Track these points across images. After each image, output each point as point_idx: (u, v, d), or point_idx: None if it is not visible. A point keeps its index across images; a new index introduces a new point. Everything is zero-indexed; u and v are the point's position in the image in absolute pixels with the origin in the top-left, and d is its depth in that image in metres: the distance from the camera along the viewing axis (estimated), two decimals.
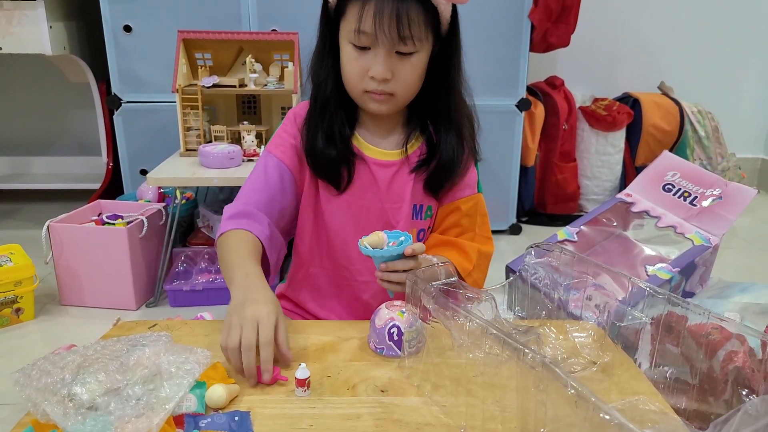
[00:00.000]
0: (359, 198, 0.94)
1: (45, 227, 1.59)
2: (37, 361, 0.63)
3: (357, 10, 0.82)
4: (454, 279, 0.73)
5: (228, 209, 0.91)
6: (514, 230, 2.30)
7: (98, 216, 1.74)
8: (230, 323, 0.71)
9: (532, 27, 2.07)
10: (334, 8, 0.88)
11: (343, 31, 0.87)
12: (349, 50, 0.86)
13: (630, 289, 0.75)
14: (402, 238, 0.78)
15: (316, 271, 0.99)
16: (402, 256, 0.77)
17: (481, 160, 1.00)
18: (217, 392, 0.64)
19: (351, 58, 0.86)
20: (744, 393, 0.62)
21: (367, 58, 0.84)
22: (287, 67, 1.76)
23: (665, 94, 2.63)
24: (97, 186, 2.22)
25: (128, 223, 1.64)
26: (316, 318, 1.01)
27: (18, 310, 1.54)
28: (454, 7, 0.87)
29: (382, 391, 0.67)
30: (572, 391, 0.46)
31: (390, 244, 0.77)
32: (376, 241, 0.77)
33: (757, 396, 0.61)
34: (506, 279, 0.93)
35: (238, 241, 0.86)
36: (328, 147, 0.91)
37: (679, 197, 1.41)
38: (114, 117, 2.02)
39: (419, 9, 0.82)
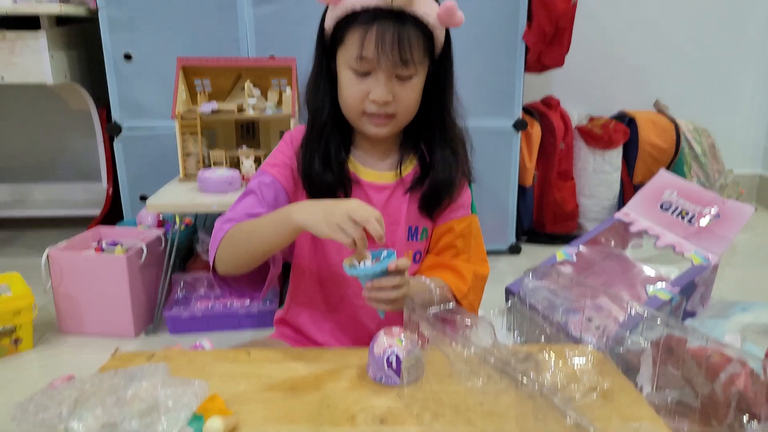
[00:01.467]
0: None
1: (45, 255, 1.59)
2: (35, 395, 0.63)
3: (358, 37, 0.84)
4: (451, 304, 0.73)
5: (221, 219, 0.90)
6: (514, 250, 2.29)
7: (98, 242, 1.74)
8: (337, 225, 0.74)
9: (527, 49, 2.10)
10: (331, 36, 0.89)
11: (342, 57, 0.88)
12: (349, 75, 0.87)
13: (628, 311, 0.75)
14: (384, 254, 0.77)
15: (314, 294, 0.99)
16: (386, 273, 0.76)
17: (475, 181, 1.01)
18: (215, 425, 0.63)
19: (351, 83, 0.87)
20: (745, 418, 0.61)
21: (368, 83, 0.86)
22: (285, 91, 1.78)
23: (661, 112, 2.65)
24: (97, 212, 2.23)
25: (127, 250, 1.64)
26: (316, 343, 1.00)
27: (16, 340, 1.54)
28: (447, 30, 0.90)
29: (382, 421, 0.67)
30: (570, 421, 0.46)
31: (373, 261, 0.77)
32: (359, 258, 0.77)
33: (758, 422, 0.61)
34: (506, 301, 0.93)
35: (250, 221, 0.86)
36: (325, 172, 0.92)
37: (677, 216, 1.41)
38: (114, 143, 2.03)
39: (418, 33, 0.84)
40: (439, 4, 0.86)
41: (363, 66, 0.85)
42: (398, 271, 0.77)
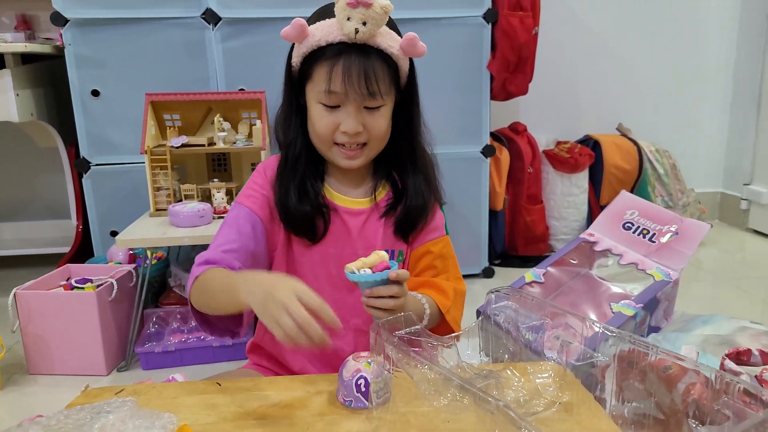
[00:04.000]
0: (332, 247, 0.96)
1: (11, 295, 1.56)
2: None
3: (325, 72, 0.86)
4: (417, 327, 0.75)
5: (199, 257, 0.91)
6: (487, 273, 2.33)
7: (67, 281, 1.72)
8: (272, 316, 0.68)
9: (492, 77, 2.17)
10: (299, 72, 0.92)
11: (311, 92, 0.91)
12: (319, 109, 0.90)
13: (592, 329, 0.77)
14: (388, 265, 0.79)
15: None
16: (387, 282, 0.78)
17: (446, 203, 1.04)
18: None
19: (321, 116, 0.90)
20: (694, 425, 0.64)
21: (338, 115, 0.89)
22: (255, 124, 1.80)
23: (624, 135, 2.74)
24: (67, 249, 2.20)
25: (98, 286, 1.62)
26: (290, 371, 1.00)
27: None
28: (411, 60, 0.93)
29: None
30: None
31: (374, 271, 0.78)
32: (373, 261, 0.78)
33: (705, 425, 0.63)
34: (474, 321, 0.95)
35: (217, 272, 0.86)
36: (302, 203, 0.94)
37: (638, 235, 1.46)
38: (83, 180, 2.02)
39: (383, 64, 0.88)
40: (401, 36, 0.89)
41: (332, 99, 0.88)
42: (398, 282, 0.79)
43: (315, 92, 0.89)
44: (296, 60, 0.91)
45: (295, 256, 0.97)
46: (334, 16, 0.85)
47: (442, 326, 0.96)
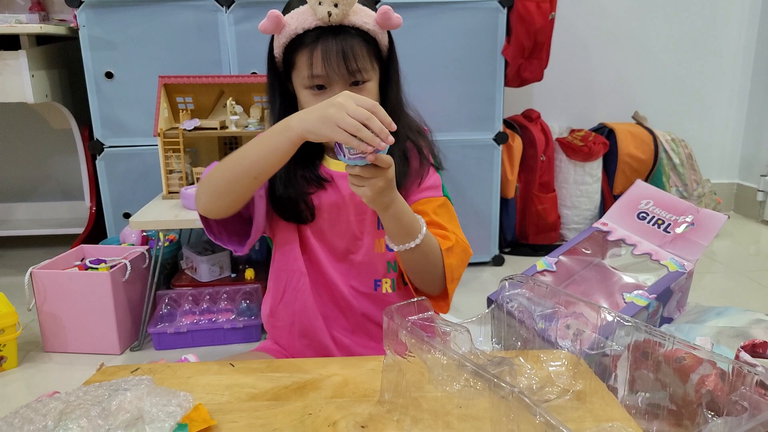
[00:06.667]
0: (326, 222, 0.99)
1: (27, 274, 1.58)
2: (20, 408, 0.63)
3: (306, 59, 0.89)
4: (430, 313, 0.75)
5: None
6: (497, 261, 2.32)
7: (81, 261, 1.74)
8: (334, 121, 0.73)
9: (506, 63, 2.14)
10: (282, 61, 0.94)
11: (296, 80, 0.93)
12: (306, 95, 0.92)
13: (605, 317, 0.77)
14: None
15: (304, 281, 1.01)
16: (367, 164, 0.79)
17: (444, 170, 1.04)
18: None
19: (310, 101, 0.92)
20: (710, 416, 0.64)
21: (326, 96, 0.90)
22: (267, 108, 1.80)
23: (639, 123, 2.71)
24: (80, 230, 2.22)
25: (111, 267, 1.64)
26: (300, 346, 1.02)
27: (1, 359, 1.53)
28: (389, 32, 0.95)
29: (363, 427, 0.68)
30: (541, 420, 0.48)
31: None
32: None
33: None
34: (487, 309, 0.95)
35: (232, 154, 0.88)
36: (287, 189, 0.97)
37: (653, 225, 1.44)
38: (96, 162, 2.03)
39: (361, 42, 0.90)
40: (376, 11, 0.91)
41: (317, 82, 0.90)
42: (377, 167, 0.78)
43: (300, 79, 0.92)
44: (278, 51, 0.93)
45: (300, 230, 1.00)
46: (306, 2, 0.87)
47: (434, 268, 0.93)
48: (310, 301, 1.00)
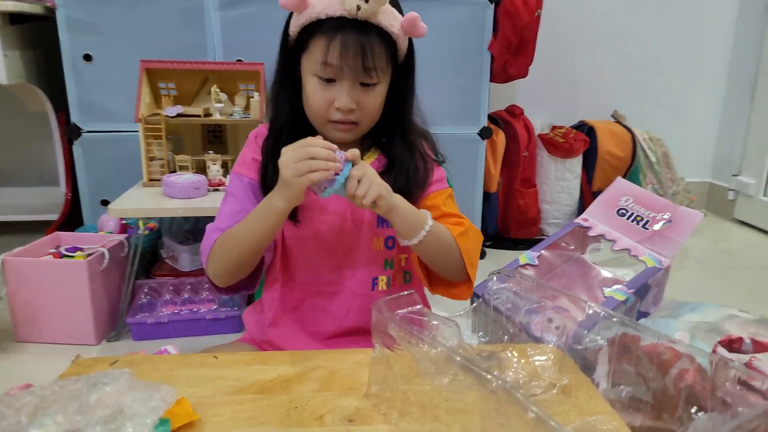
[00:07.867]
0: (326, 220, 0.97)
1: None
2: None
3: (322, 45, 0.85)
4: (419, 306, 0.75)
5: (210, 227, 0.93)
6: (480, 255, 2.33)
7: (56, 248, 1.70)
8: (305, 178, 0.78)
9: (492, 59, 2.15)
10: (295, 42, 0.91)
11: (306, 63, 0.90)
12: (313, 82, 0.89)
13: (586, 311, 0.78)
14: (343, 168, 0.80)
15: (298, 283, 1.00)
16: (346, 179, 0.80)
17: (444, 162, 1.04)
18: None
19: (316, 90, 0.89)
20: (693, 411, 0.65)
21: (332, 90, 0.88)
22: (253, 96, 1.77)
23: (618, 122, 2.75)
24: (55, 217, 2.17)
25: (88, 255, 1.61)
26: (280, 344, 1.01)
27: None
28: (410, 39, 0.92)
29: (350, 421, 0.68)
30: (531, 415, 0.48)
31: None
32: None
33: (705, 413, 0.64)
34: (471, 303, 0.96)
35: (234, 227, 0.89)
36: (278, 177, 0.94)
37: (632, 221, 1.47)
38: (73, 147, 1.99)
39: (381, 42, 0.87)
40: (403, 15, 0.88)
41: (327, 72, 0.87)
42: (356, 163, 0.81)
43: (311, 63, 0.88)
44: (294, 30, 0.90)
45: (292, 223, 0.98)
46: None
47: (450, 252, 0.93)
48: (312, 304, 1.00)
